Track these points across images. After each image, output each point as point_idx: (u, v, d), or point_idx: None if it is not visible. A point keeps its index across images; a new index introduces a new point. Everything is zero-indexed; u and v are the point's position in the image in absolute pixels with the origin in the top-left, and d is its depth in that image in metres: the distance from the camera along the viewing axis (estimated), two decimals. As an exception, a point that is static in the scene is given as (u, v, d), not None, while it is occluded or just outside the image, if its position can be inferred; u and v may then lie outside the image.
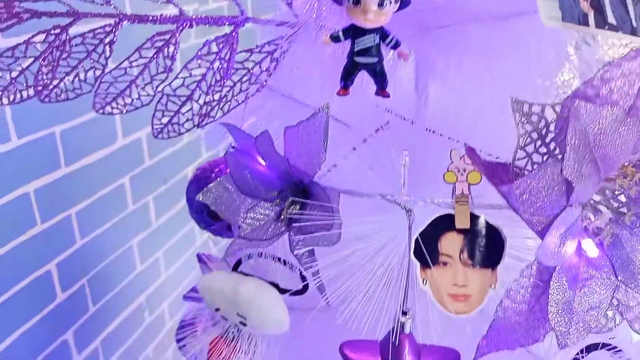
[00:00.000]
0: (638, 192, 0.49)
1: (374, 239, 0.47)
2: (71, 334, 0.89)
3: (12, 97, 0.63)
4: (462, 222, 0.44)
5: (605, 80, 0.41)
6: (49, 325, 0.84)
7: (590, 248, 0.47)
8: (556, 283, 0.47)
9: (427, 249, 0.45)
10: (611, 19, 0.45)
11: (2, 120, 0.71)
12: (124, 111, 0.65)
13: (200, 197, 0.63)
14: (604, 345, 0.51)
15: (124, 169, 0.96)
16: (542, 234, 0.43)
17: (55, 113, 0.79)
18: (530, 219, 0.41)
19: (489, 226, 0.45)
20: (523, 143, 0.41)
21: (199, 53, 0.62)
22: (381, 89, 0.51)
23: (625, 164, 0.48)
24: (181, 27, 0.64)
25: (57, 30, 0.62)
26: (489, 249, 0.45)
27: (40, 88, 0.64)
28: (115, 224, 0.96)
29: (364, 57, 0.49)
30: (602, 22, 0.43)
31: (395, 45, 0.49)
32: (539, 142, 0.42)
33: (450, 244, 0.45)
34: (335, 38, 0.49)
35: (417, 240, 0.45)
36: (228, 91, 0.65)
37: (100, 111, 0.66)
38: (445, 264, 0.45)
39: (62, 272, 0.85)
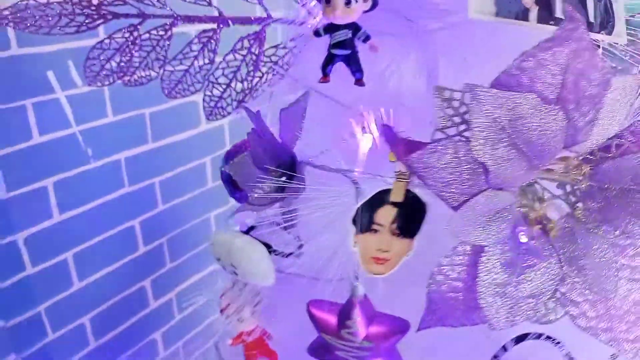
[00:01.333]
0: (590, 187, 0.49)
1: (331, 208, 0.53)
2: (149, 282, 1.07)
3: (102, 82, 0.81)
4: (396, 196, 0.49)
5: (523, 70, 0.43)
6: (130, 271, 1.03)
7: (524, 236, 0.49)
8: (485, 264, 0.49)
9: (364, 218, 0.51)
10: (560, 13, 0.46)
11: (101, 100, 0.91)
12: (184, 95, 0.80)
13: (226, 167, 0.75)
14: (546, 337, 0.51)
15: (206, 151, 1.13)
16: (455, 210, 0.46)
17: (146, 97, 0.97)
18: (439, 193, 0.45)
19: (418, 200, 0.49)
20: (442, 125, 0.45)
21: (235, 47, 0.74)
22: (357, 78, 0.57)
23: (570, 155, 0.48)
24: (221, 26, 0.77)
25: (132, 29, 0.78)
26: (414, 220, 0.49)
27: (122, 74, 0.82)
28: (195, 196, 1.13)
29: (338, 49, 0.56)
30: (546, 17, 0.46)
31: (366, 39, 0.55)
32: (462, 126, 0.46)
33: (384, 214, 0.50)
34: (317, 33, 0.57)
35: (357, 209, 0.51)
36: (257, 81, 0.77)
37: (169, 96, 0.83)
38: (375, 231, 0.50)
39: (144, 229, 1.03)
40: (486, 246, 0.49)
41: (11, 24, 0.77)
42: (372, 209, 0.51)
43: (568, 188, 0.51)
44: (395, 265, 0.50)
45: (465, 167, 0.45)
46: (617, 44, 0.50)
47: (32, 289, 0.87)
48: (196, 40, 0.77)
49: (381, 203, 0.51)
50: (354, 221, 0.51)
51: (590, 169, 0.48)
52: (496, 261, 0.49)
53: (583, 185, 0.49)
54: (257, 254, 0.64)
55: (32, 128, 0.82)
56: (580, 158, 0.48)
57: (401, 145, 0.44)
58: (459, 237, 0.46)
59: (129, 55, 0.79)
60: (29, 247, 0.85)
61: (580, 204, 0.50)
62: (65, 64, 0.83)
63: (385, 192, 0.51)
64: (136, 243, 1.03)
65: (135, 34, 0.78)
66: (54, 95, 0.84)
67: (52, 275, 0.89)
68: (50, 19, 0.76)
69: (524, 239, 0.48)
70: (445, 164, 0.44)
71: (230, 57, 0.76)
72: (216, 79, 0.78)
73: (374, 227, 0.50)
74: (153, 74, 0.82)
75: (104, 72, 0.82)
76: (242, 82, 0.79)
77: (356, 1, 0.53)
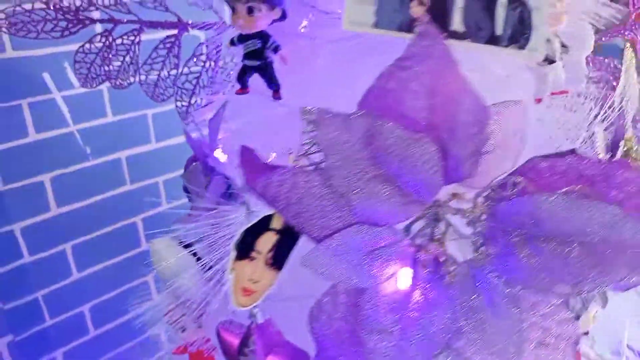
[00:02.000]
0: (492, 229, 0.42)
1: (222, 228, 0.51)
2: (151, 277, 1.10)
3: (91, 84, 0.84)
4: (278, 222, 0.45)
5: (387, 91, 0.37)
6: (134, 265, 1.06)
7: (408, 279, 0.43)
8: (366, 306, 0.44)
9: (246, 243, 0.47)
10: (457, 25, 0.40)
11: (100, 101, 0.94)
12: (164, 100, 0.82)
13: (181, 175, 0.75)
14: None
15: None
16: (318, 242, 0.41)
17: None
18: (295, 223, 0.40)
19: (294, 232, 0.44)
20: (305, 151, 0.40)
21: (194, 53, 0.74)
22: (272, 90, 0.54)
23: (459, 192, 0.41)
24: (182, 32, 0.77)
25: (106, 34, 0.80)
26: (287, 252, 0.45)
27: (106, 77, 0.85)
28: (203, 196, 1.14)
29: (249, 60, 0.53)
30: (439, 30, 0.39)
31: (275, 49, 0.52)
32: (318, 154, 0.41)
33: (265, 241, 0.46)
34: (231, 42, 0.54)
35: (241, 234, 0.47)
36: (216, 86, 0.76)
37: (153, 99, 0.85)
38: (252, 259, 0.46)
39: (147, 226, 1.06)
40: (366, 287, 0.43)
41: (3, 29, 0.82)
42: (255, 235, 0.47)
43: (478, 227, 0.44)
44: (258, 298, 0.46)
45: (324, 198, 0.40)
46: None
47: (30, 276, 0.93)
48: (161, 45, 0.78)
49: (264, 229, 0.47)
50: (236, 245, 0.48)
51: (487, 207, 0.41)
52: (379, 304, 0.44)
53: (482, 226, 0.42)
54: (171, 258, 0.63)
55: (29, 126, 0.87)
56: (475, 195, 0.41)
57: (254, 171, 0.40)
58: (323, 274, 0.42)
59: (108, 59, 0.81)
60: (26, 238, 0.91)
61: (483, 248, 0.42)
62: (61, 66, 0.87)
63: (270, 217, 0.47)
64: (139, 239, 1.07)
65: (110, 39, 0.80)
66: (51, 95, 0.88)
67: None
68: (36, 24, 0.80)
69: (400, 284, 0.42)
70: (298, 193, 0.39)
71: (191, 62, 0.76)
72: (182, 84, 0.79)
73: (253, 254, 0.47)
74: (131, 78, 0.84)
75: (91, 75, 0.85)
76: (203, 88, 0.78)
77: (259, 10, 0.50)
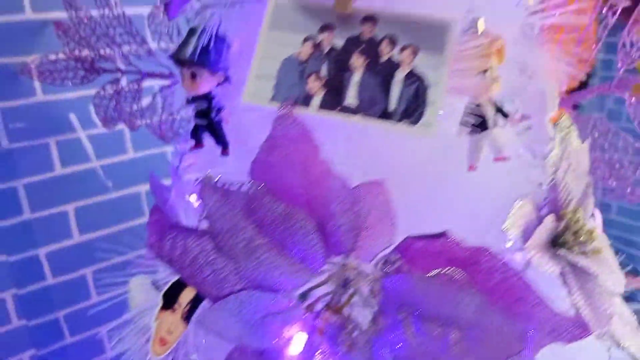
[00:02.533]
0: (384, 302, 0.42)
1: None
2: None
3: (109, 125, 0.93)
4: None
5: (271, 165, 0.39)
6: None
7: (302, 344, 0.43)
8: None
9: (172, 294, 0.50)
10: (352, 100, 0.41)
11: (121, 139, 1.03)
12: (168, 142, 0.90)
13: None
14: None
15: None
16: (214, 302, 0.43)
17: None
18: (187, 281, 0.43)
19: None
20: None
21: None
22: (222, 148, 0.57)
23: (348, 263, 0.42)
24: (174, 82, 0.83)
25: (115, 81, 0.89)
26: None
27: (120, 120, 0.93)
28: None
29: (199, 119, 0.57)
30: (331, 103, 0.41)
31: (219, 111, 0.55)
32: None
33: (186, 295, 0.49)
34: (187, 101, 0.59)
35: (172, 283, 0.50)
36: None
37: (162, 140, 0.93)
38: (174, 310, 0.49)
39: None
40: (265, 349, 0.44)
41: (34, 76, 0.92)
42: (181, 287, 0.50)
43: (377, 298, 0.44)
44: (167, 350, 0.48)
45: (215, 262, 0.42)
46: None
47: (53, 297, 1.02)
48: (158, 93, 0.85)
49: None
50: (164, 296, 0.51)
51: (377, 281, 0.41)
52: (278, 367, 0.45)
53: (379, 297, 0.42)
54: (132, 284, 0.67)
55: (55, 161, 0.97)
56: (360, 269, 0.41)
57: (157, 232, 0.43)
58: (218, 333, 0.43)
59: (119, 104, 0.89)
60: (50, 261, 1.00)
61: (378, 319, 0.42)
62: (86, 108, 0.96)
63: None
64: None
65: (119, 86, 0.88)
66: (76, 134, 0.97)
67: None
68: (59, 72, 0.89)
69: (295, 349, 0.43)
70: (190, 256, 0.42)
71: (183, 110, 0.82)
72: (177, 129, 0.84)
73: (175, 306, 0.50)
74: (139, 121, 0.92)
75: (108, 117, 0.93)
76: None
77: (201, 76, 0.53)
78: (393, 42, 0.42)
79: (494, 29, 0.51)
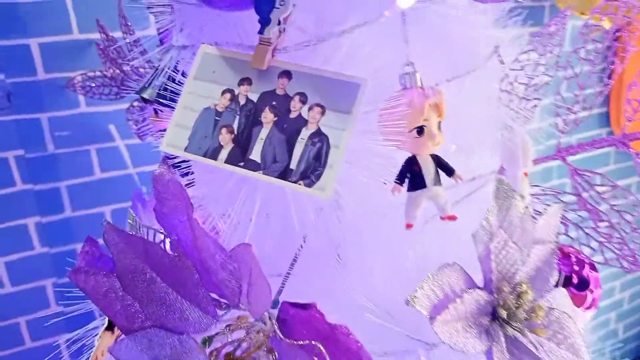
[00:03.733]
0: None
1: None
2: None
3: (141, 137, 1.00)
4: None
5: (163, 214, 0.41)
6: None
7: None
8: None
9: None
10: (256, 155, 0.42)
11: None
12: None
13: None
14: None
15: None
16: (126, 334, 0.45)
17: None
18: (103, 312, 0.45)
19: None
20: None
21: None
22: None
23: (243, 315, 0.42)
24: None
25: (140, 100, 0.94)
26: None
27: (148, 133, 0.99)
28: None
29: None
30: (237, 158, 0.42)
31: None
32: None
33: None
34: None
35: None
36: None
37: None
38: (113, 332, 0.52)
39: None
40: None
41: (78, 90, 1.01)
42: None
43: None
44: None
45: (123, 299, 0.44)
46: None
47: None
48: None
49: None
50: (110, 316, 0.54)
51: (266, 339, 0.41)
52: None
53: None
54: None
55: (95, 166, 1.06)
56: (254, 324, 0.41)
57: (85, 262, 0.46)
58: None
59: (145, 120, 0.96)
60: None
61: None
62: (124, 120, 1.04)
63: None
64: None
65: (143, 103, 0.94)
66: (114, 143, 1.06)
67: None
68: (98, 88, 0.98)
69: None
70: (101, 291, 0.45)
71: None
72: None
73: (115, 327, 0.53)
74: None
75: (139, 130, 1.01)
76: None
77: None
78: (303, 99, 0.42)
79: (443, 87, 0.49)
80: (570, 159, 0.61)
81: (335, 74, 0.41)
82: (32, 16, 0.95)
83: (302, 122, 0.41)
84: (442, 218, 0.49)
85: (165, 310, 0.43)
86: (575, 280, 0.62)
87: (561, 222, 0.62)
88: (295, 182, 0.40)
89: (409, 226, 0.48)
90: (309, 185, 0.40)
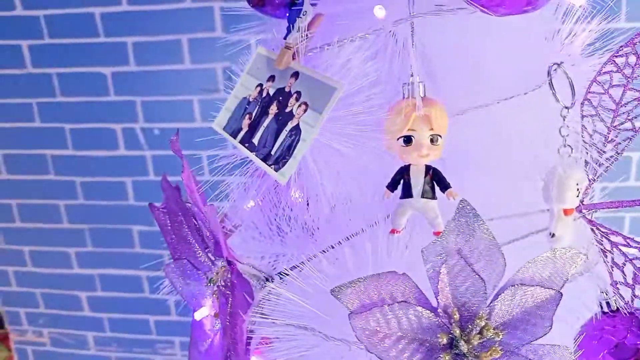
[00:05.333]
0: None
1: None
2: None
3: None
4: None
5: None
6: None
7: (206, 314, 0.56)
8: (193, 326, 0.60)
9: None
10: (256, 139, 0.52)
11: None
12: None
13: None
14: None
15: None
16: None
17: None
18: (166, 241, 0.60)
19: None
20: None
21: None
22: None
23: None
24: None
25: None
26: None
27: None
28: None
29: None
30: (247, 139, 0.53)
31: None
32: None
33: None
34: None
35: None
36: None
37: None
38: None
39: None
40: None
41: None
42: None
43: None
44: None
45: (168, 230, 0.59)
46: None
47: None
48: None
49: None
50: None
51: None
52: (198, 327, 0.59)
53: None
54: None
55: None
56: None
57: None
58: (171, 284, 0.60)
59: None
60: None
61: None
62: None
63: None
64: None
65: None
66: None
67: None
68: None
69: (197, 316, 0.56)
70: (160, 223, 0.60)
71: None
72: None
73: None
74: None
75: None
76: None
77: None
78: (298, 97, 0.48)
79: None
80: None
81: (324, 77, 0.46)
82: None
83: (291, 116, 0.48)
84: (434, 233, 0.49)
85: (188, 249, 0.56)
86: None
87: (637, 281, 0.52)
88: (269, 165, 0.48)
89: (392, 231, 0.49)
90: (276, 170, 0.47)
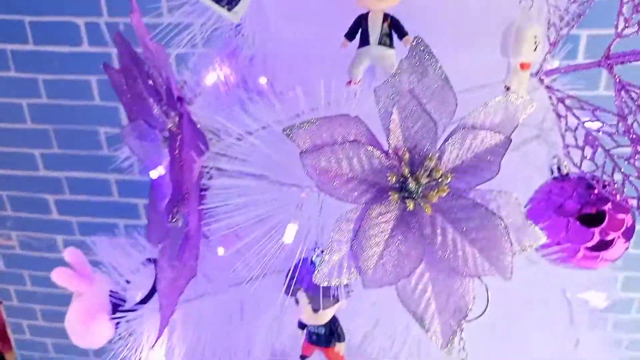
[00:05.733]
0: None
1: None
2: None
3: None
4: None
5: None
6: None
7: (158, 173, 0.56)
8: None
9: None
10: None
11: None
12: None
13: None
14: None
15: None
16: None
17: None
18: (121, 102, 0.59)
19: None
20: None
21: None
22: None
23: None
24: None
25: None
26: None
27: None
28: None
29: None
30: None
31: None
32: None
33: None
34: None
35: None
36: None
37: None
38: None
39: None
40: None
41: None
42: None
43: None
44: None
45: (123, 90, 0.57)
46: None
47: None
48: None
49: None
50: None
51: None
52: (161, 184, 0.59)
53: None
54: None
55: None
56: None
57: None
58: (129, 148, 0.60)
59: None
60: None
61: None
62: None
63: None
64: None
65: None
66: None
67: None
68: None
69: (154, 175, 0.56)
70: (115, 84, 0.58)
71: None
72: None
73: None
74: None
75: None
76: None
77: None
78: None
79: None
80: (618, 68, 0.50)
81: None
82: None
83: (245, -45, 0.46)
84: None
85: (144, 106, 0.55)
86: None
87: (589, 144, 0.53)
88: (222, 6, 0.46)
89: (349, 83, 0.49)
90: (229, 10, 0.45)
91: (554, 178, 0.56)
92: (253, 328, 0.61)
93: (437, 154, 0.44)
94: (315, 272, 0.42)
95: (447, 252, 0.43)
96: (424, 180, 0.43)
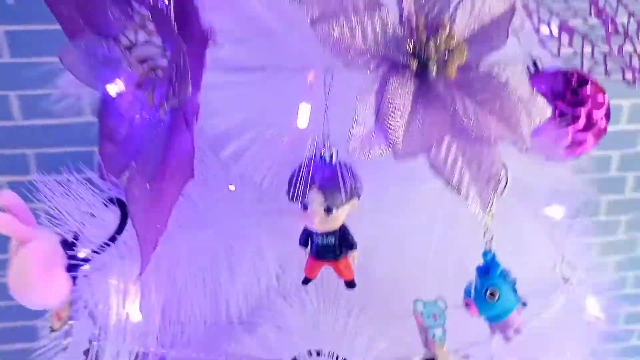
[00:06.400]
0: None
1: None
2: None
3: None
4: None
5: None
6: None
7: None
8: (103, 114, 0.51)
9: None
10: None
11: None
12: None
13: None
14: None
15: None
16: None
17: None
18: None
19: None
20: None
21: None
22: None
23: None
24: None
25: None
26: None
27: None
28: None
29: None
30: None
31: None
32: None
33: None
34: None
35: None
36: None
37: None
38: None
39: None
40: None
41: None
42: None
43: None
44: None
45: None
46: None
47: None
48: None
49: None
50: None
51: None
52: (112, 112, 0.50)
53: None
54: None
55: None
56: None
57: None
58: (71, 71, 0.50)
59: None
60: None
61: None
62: None
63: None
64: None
65: None
66: None
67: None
68: None
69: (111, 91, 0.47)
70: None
71: None
72: None
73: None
74: None
75: None
76: None
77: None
78: None
79: None
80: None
81: None
82: None
83: None
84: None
85: (95, 11, 0.47)
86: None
87: (564, 30, 0.54)
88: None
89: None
90: None
91: (531, 74, 0.57)
92: (236, 267, 0.54)
93: (449, 23, 0.42)
94: (350, 144, 0.38)
95: (470, 121, 0.41)
96: (442, 46, 0.41)
